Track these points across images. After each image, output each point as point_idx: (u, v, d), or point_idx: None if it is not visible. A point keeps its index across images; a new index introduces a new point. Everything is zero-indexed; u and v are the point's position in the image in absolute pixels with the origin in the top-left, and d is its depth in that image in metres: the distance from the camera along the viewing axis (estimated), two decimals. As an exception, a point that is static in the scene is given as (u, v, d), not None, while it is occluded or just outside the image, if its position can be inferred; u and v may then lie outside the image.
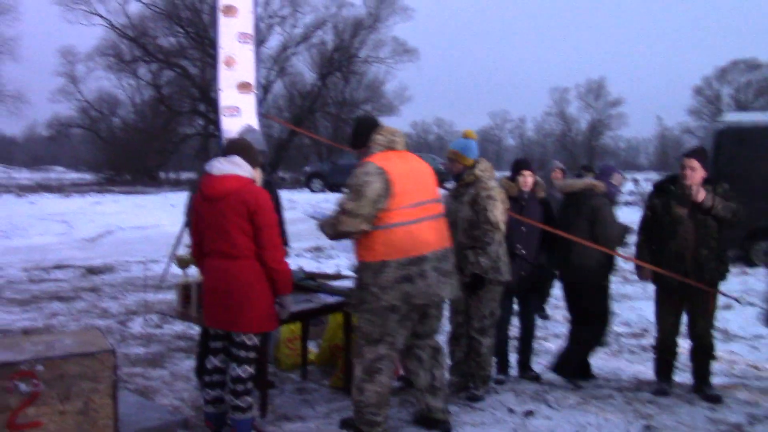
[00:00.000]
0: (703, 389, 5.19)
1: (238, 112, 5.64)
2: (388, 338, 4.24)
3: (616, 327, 7.38)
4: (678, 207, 5.12)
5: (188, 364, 5.84)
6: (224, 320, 4.12)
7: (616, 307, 7.92)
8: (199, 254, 4.26)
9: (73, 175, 43.03)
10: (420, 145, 67.86)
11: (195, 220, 4.28)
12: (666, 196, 5.22)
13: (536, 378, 5.62)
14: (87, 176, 41.15)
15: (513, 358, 5.75)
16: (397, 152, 4.34)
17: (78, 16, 38.94)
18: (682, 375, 5.49)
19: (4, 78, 35.72)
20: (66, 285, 9.75)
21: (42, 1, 37.78)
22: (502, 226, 4.94)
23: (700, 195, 5.01)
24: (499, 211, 4.92)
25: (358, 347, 4.37)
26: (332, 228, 4.18)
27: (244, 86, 5.65)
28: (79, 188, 29.41)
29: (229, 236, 4.04)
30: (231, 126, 5.47)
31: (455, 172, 5.13)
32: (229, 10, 5.50)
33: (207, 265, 4.20)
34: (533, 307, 5.80)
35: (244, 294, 4.06)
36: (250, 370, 4.17)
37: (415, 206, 4.19)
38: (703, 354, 5.24)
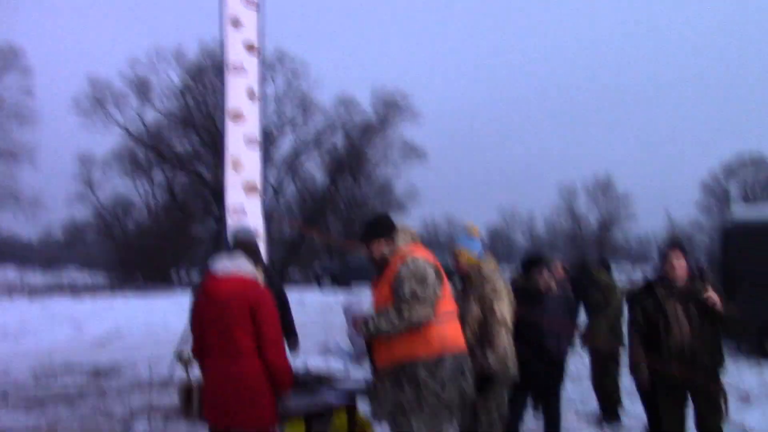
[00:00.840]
0: None
1: (245, 214, 5.78)
2: None
3: (628, 421, 7.23)
4: (670, 304, 5.04)
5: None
6: (225, 419, 4.11)
7: (627, 402, 7.81)
8: (200, 353, 4.29)
9: (86, 277, 43.23)
10: (431, 243, 68.04)
11: (197, 319, 4.32)
12: (655, 296, 5.12)
13: None
14: (100, 278, 41.35)
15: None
16: (423, 247, 4.35)
17: (96, 125, 40.15)
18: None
19: (22, 184, 36.43)
20: (72, 388, 9.68)
21: (60, 110, 38.96)
22: (509, 323, 4.94)
23: (716, 303, 4.94)
24: (506, 308, 4.93)
25: None
26: (400, 318, 3.95)
27: (250, 189, 5.81)
28: (91, 291, 29.51)
29: (232, 336, 4.07)
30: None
31: (461, 269, 5.16)
32: (238, 118, 5.72)
33: (208, 365, 4.22)
34: (557, 403, 5.73)
35: (245, 393, 4.06)
36: None
37: (449, 299, 4.27)
38: None
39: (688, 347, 5.00)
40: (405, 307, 3.94)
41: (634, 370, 5.25)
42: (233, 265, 4.22)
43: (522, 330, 5.35)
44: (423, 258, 4.13)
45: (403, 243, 4.25)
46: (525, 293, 5.50)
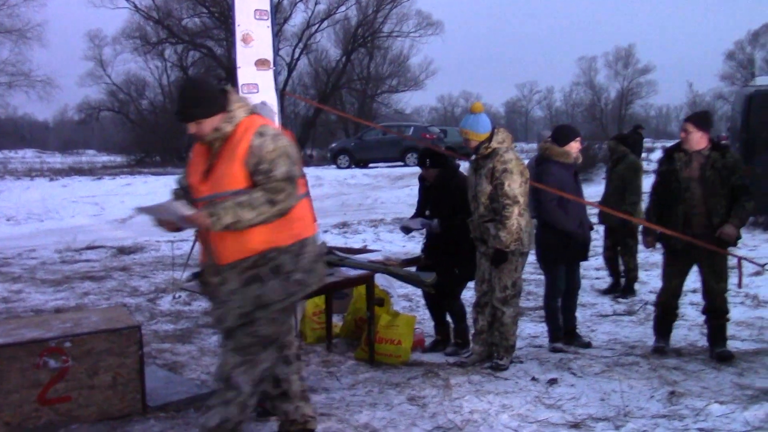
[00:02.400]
0: (714, 348, 5.25)
1: (257, 89, 5.64)
2: (284, 337, 3.58)
3: (642, 295, 7.33)
4: (687, 171, 5.16)
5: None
6: None
7: (643, 276, 7.89)
8: None
9: (104, 158, 43.54)
10: (447, 118, 67.48)
11: None
12: (673, 163, 5.24)
13: (588, 345, 5.64)
14: (118, 158, 41.63)
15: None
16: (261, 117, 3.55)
17: (104, 0, 39.27)
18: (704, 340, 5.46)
19: (33, 63, 36.12)
20: (97, 265, 9.93)
21: (67, -14, 37.99)
22: (521, 199, 4.91)
23: (725, 231, 5.10)
24: (516, 184, 4.89)
25: (251, 356, 3.37)
26: (272, 205, 3.25)
27: (262, 63, 5.64)
28: (109, 171, 29.77)
29: None
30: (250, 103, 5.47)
31: (472, 148, 5.12)
32: (245, -13, 5.49)
33: None
34: (578, 273, 5.82)
35: None
36: None
37: (303, 176, 3.60)
38: (715, 315, 5.29)
39: (699, 214, 5.15)
40: (279, 192, 3.24)
41: (644, 231, 5.60)
42: None
43: (561, 201, 5.42)
44: (275, 129, 3.46)
45: (242, 112, 3.40)
46: (560, 164, 5.46)
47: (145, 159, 38.78)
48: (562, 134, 5.59)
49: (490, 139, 5.02)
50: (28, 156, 43.50)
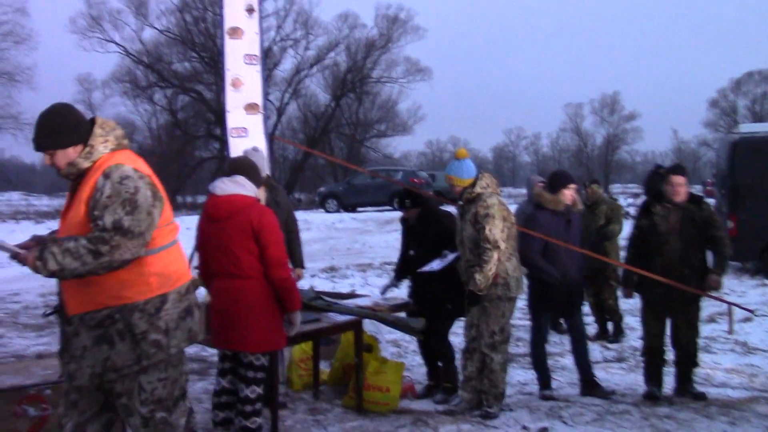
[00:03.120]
0: (687, 389, 5.41)
1: (246, 133, 5.66)
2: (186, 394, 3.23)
3: (632, 342, 7.29)
4: (665, 223, 5.31)
5: (200, 386, 5.82)
6: (231, 340, 4.12)
7: (632, 321, 7.85)
8: (206, 275, 4.28)
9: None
10: (435, 163, 67.84)
11: (201, 241, 4.30)
12: (652, 217, 5.38)
13: (611, 393, 5.51)
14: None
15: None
16: (132, 153, 3.21)
17: (93, 44, 39.55)
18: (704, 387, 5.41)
19: (22, 106, 36.10)
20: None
21: (58, 30, 38.42)
22: (502, 244, 4.90)
23: (714, 281, 5.34)
24: (497, 229, 4.88)
25: (162, 425, 3.03)
26: (96, 256, 2.79)
27: (251, 107, 5.67)
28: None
29: (234, 256, 4.06)
30: (239, 147, 5.48)
31: (457, 193, 5.14)
32: (235, 32, 5.53)
33: (214, 286, 4.22)
34: (579, 322, 5.74)
35: (249, 314, 4.07)
36: (258, 390, 4.16)
37: (172, 223, 3.21)
38: (686, 362, 5.45)
39: (677, 266, 5.28)
40: (102, 243, 2.80)
41: (623, 282, 5.75)
42: (233, 185, 4.15)
43: (549, 249, 5.41)
44: (132, 167, 3.00)
45: (103, 147, 3.02)
46: (550, 211, 5.45)
47: (132, 202, 38.56)
48: (554, 181, 5.59)
49: (474, 184, 5.04)
50: (14, 199, 43.30)
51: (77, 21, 39.42)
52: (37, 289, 11.44)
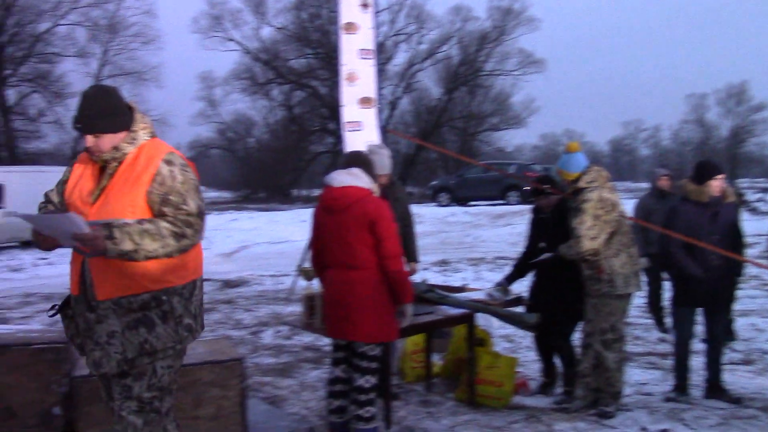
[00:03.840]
0: None
1: (360, 126, 5.74)
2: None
3: (761, 344, 6.90)
4: None
5: (315, 374, 5.96)
6: (345, 331, 4.18)
7: (761, 323, 7.44)
8: (320, 266, 4.37)
9: (212, 194, 45.28)
10: (549, 156, 66.58)
11: (316, 232, 4.38)
12: None
13: (737, 401, 5.18)
14: (225, 194, 43.17)
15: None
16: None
17: (215, 43, 41.38)
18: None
19: (150, 103, 38.12)
20: (205, 297, 10.20)
21: (182, 30, 40.24)
22: (586, 243, 4.73)
23: None
24: (585, 226, 4.73)
25: (155, 413, 2.99)
26: (179, 239, 2.86)
27: (365, 101, 5.74)
28: (217, 206, 30.88)
29: (350, 247, 4.11)
30: (353, 140, 5.56)
31: (566, 186, 5.04)
32: (350, 27, 5.62)
33: (328, 277, 4.28)
34: (720, 322, 5.40)
35: (364, 305, 4.11)
36: (372, 380, 4.21)
37: None
38: None
39: None
40: (188, 227, 2.88)
41: None
42: (349, 177, 4.21)
43: (692, 244, 5.11)
44: (182, 158, 3.06)
45: (144, 134, 3.05)
46: (693, 203, 5.17)
47: (250, 195, 40.04)
48: (701, 171, 5.24)
49: (579, 178, 4.91)
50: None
51: (200, 21, 41.36)
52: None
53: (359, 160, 4.33)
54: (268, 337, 7.49)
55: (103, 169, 2.99)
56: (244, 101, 45.02)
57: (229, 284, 11.34)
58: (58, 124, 34.77)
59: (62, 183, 3.10)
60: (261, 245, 16.69)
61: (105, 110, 2.92)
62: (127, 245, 2.75)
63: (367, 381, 4.20)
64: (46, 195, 3.14)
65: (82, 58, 36.32)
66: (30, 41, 34.02)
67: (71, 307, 3.04)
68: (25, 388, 4.00)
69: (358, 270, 4.12)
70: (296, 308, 8.54)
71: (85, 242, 2.72)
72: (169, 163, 2.96)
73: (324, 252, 4.30)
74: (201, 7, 40.96)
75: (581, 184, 4.89)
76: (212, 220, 21.40)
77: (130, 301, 2.89)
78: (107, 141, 2.93)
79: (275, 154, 41.20)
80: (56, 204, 3.08)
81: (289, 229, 18.12)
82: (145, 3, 38.73)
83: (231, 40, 41.15)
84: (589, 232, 4.74)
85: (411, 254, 5.64)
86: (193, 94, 44.12)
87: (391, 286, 4.16)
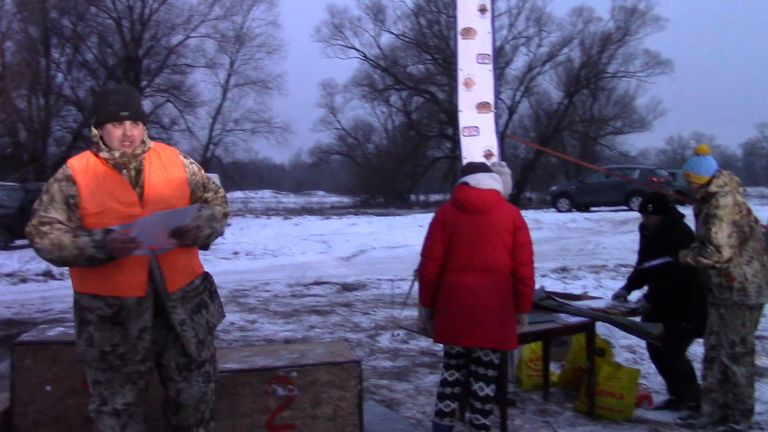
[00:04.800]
0: None
1: (477, 132, 5.71)
2: None
3: None
4: None
5: (431, 378, 5.97)
6: (475, 337, 4.09)
7: None
8: (445, 268, 4.22)
9: (332, 199, 46.25)
10: (676, 161, 63.84)
11: (443, 233, 4.22)
12: None
13: None
14: (344, 199, 43.98)
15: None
16: None
17: (336, 51, 42.33)
18: None
19: (273, 111, 39.49)
20: (323, 300, 10.47)
21: (305, 39, 41.31)
22: (726, 251, 4.47)
23: None
24: (724, 233, 4.48)
25: (212, 382, 3.31)
26: (226, 219, 3.27)
27: (483, 106, 5.71)
28: (337, 211, 31.53)
29: (492, 250, 4.07)
30: (470, 146, 5.54)
31: (693, 191, 4.80)
32: (468, 32, 5.60)
33: (458, 280, 4.15)
34: None
35: (498, 310, 4.07)
36: (486, 389, 4.19)
37: None
38: None
39: None
40: (228, 205, 3.30)
41: None
42: (492, 180, 4.19)
43: None
44: None
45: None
46: None
47: (369, 200, 40.58)
48: None
49: (710, 182, 4.67)
50: (266, 196, 47.22)
51: (321, 30, 42.44)
52: (285, 279, 12.42)
53: (481, 169, 4.31)
54: (384, 340, 7.57)
55: (118, 171, 3.06)
56: (363, 108, 45.85)
57: (347, 287, 11.55)
58: (189, 131, 36.52)
59: (68, 199, 3.01)
60: (379, 249, 16.90)
61: (141, 104, 3.17)
62: (206, 230, 3.08)
63: (481, 388, 4.18)
64: (46, 218, 2.98)
65: (211, 69, 38.00)
66: (164, 53, 35.87)
67: (120, 314, 3.04)
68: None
69: (495, 274, 4.08)
70: (413, 312, 8.60)
71: (186, 234, 2.98)
72: (185, 156, 3.27)
73: (455, 254, 4.16)
74: (323, 16, 42.03)
75: (712, 188, 4.66)
76: (331, 224, 21.90)
77: (192, 288, 3.17)
78: (140, 133, 3.08)
79: (394, 160, 41.64)
80: (66, 223, 2.98)
81: (406, 234, 18.23)
82: (270, 14, 40.05)
83: (351, 47, 41.99)
84: (730, 240, 4.51)
85: None
86: (315, 101, 45.32)
87: (517, 292, 4.13)
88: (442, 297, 4.24)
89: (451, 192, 4.38)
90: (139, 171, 3.09)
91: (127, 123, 3.03)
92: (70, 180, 3.02)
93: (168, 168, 3.15)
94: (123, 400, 3.11)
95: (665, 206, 5.25)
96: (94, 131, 3.08)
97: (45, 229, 2.95)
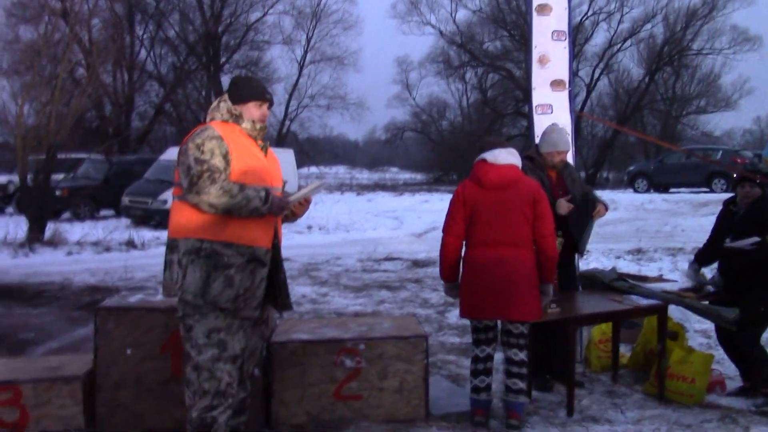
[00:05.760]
0: None
1: (551, 110, 5.65)
2: None
3: None
4: None
5: (497, 356, 5.97)
6: (506, 310, 4.18)
7: None
8: (468, 244, 4.33)
9: (405, 175, 46.36)
10: (763, 142, 61.28)
11: (466, 210, 4.30)
12: None
13: None
14: (418, 176, 44.00)
15: None
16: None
17: (411, 27, 42.15)
18: None
19: (348, 87, 39.71)
20: (393, 275, 10.56)
21: (381, 16, 41.31)
22: None
23: None
24: None
25: None
26: None
27: (557, 84, 5.64)
28: (410, 187, 31.63)
29: (516, 224, 4.17)
30: (544, 124, 5.49)
31: None
32: (543, 9, 5.53)
33: (484, 255, 4.22)
34: None
35: (526, 283, 4.16)
36: (521, 354, 4.33)
37: None
38: None
39: None
40: None
41: None
42: (510, 156, 4.30)
43: None
44: None
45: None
46: None
47: (442, 177, 40.51)
48: None
49: None
50: (340, 172, 47.74)
51: (397, 6, 42.30)
52: (356, 254, 12.57)
53: (497, 146, 4.38)
54: (453, 317, 7.61)
55: (255, 141, 3.62)
56: (438, 84, 45.65)
57: (417, 264, 11.62)
58: (267, 107, 37.07)
59: (225, 155, 3.41)
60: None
61: None
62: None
63: (515, 354, 4.31)
64: (215, 166, 3.36)
65: (287, 45, 38.43)
66: (242, 30, 36.46)
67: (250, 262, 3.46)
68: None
69: (520, 248, 4.17)
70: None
71: (307, 206, 3.77)
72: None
73: (477, 230, 4.25)
74: (399, -9, 41.63)
75: None
76: (404, 200, 22.00)
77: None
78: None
79: (468, 137, 41.31)
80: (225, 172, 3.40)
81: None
82: (345, -10, 40.13)
83: (427, 24, 41.67)
84: None
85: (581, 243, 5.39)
86: (390, 77, 45.36)
87: (541, 263, 4.22)
88: (466, 273, 4.33)
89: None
90: (264, 147, 3.64)
91: (267, 104, 3.64)
92: (221, 140, 3.41)
93: (270, 151, 3.72)
94: (241, 345, 3.48)
95: (763, 182, 5.05)
96: (233, 107, 3.57)
97: (216, 176, 3.32)
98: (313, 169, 40.69)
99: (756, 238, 4.79)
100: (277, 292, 3.62)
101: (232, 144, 3.42)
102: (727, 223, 5.21)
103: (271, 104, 3.69)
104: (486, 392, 4.42)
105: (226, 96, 3.62)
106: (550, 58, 5.59)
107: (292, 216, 3.69)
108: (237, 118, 3.56)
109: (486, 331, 4.43)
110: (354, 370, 4.27)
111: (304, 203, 3.70)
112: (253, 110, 3.59)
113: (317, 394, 4.25)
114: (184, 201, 3.40)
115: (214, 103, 3.65)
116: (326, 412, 4.26)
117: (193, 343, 3.41)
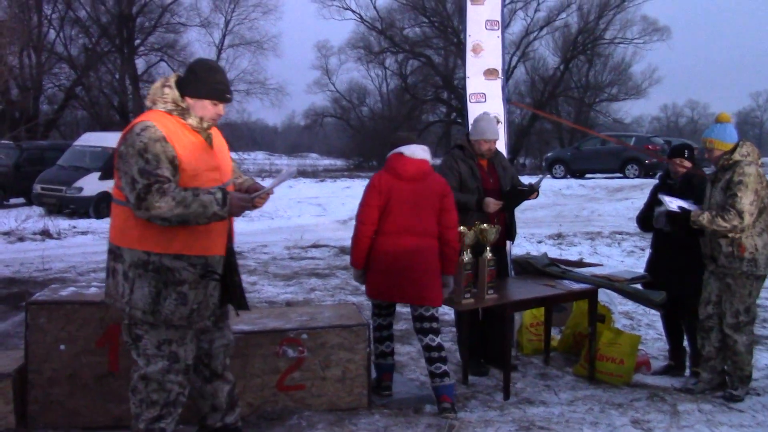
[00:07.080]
0: None
1: (484, 98, 5.73)
2: None
3: None
4: None
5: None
6: (413, 294, 4.38)
7: None
8: (380, 232, 4.42)
9: (325, 161, 46.09)
10: (670, 129, 63.84)
11: (381, 199, 4.40)
12: None
13: None
14: (338, 162, 43.86)
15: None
16: None
17: (332, 12, 41.82)
18: None
19: (268, 72, 39.11)
20: (322, 263, 10.53)
21: (301, 0, 40.88)
22: (747, 218, 4.55)
23: None
24: (747, 200, 4.55)
25: None
26: None
27: (490, 72, 5.73)
28: (331, 174, 31.49)
29: (425, 215, 4.36)
30: (477, 112, 5.57)
31: (714, 159, 4.81)
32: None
33: (393, 242, 4.38)
34: None
35: (432, 270, 4.36)
36: (436, 339, 4.45)
37: None
38: None
39: None
40: None
41: None
42: (424, 152, 4.48)
43: None
44: None
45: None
46: None
47: (363, 163, 40.52)
48: None
49: (733, 150, 4.72)
50: (259, 158, 47.02)
51: (317, -10, 41.79)
52: (282, 242, 12.47)
53: (409, 141, 4.55)
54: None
55: (203, 137, 3.29)
56: (358, 70, 45.52)
57: (345, 251, 11.60)
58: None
59: (172, 159, 3.09)
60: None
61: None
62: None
63: (432, 339, 4.44)
64: (162, 177, 3.03)
65: (205, 28, 37.58)
66: (158, 12, 35.43)
67: (216, 272, 3.29)
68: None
69: (428, 237, 4.36)
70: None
71: (267, 197, 3.38)
72: None
73: (390, 218, 4.38)
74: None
75: (736, 156, 4.71)
76: (326, 187, 21.90)
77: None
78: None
79: (388, 123, 41.42)
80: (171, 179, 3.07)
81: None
82: (265, -27, 39.40)
83: (347, 8, 41.50)
84: (751, 207, 4.58)
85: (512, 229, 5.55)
86: (310, 63, 44.96)
87: (444, 255, 4.41)
88: (376, 258, 4.45)
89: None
90: (209, 138, 3.32)
91: (224, 104, 3.30)
92: (165, 141, 3.08)
93: (218, 136, 3.42)
94: (192, 354, 3.31)
95: (695, 158, 5.31)
96: (184, 99, 3.22)
97: (165, 187, 2.99)
98: (232, 155, 39.96)
99: (692, 204, 4.90)
100: (232, 295, 3.41)
101: (177, 144, 3.11)
102: (665, 191, 5.31)
103: (230, 101, 3.38)
104: (391, 356, 4.69)
105: (172, 81, 3.23)
106: (483, 47, 5.67)
107: (253, 208, 3.32)
108: (183, 112, 3.21)
109: (387, 307, 4.69)
110: (297, 360, 4.24)
111: (265, 196, 3.34)
112: (206, 108, 3.24)
113: (259, 385, 4.21)
114: (128, 207, 3.08)
115: (158, 85, 3.25)
116: (269, 404, 4.22)
117: (141, 352, 3.20)
